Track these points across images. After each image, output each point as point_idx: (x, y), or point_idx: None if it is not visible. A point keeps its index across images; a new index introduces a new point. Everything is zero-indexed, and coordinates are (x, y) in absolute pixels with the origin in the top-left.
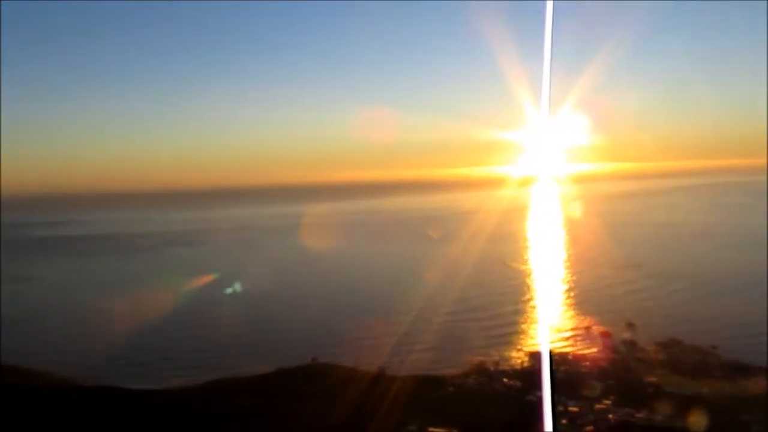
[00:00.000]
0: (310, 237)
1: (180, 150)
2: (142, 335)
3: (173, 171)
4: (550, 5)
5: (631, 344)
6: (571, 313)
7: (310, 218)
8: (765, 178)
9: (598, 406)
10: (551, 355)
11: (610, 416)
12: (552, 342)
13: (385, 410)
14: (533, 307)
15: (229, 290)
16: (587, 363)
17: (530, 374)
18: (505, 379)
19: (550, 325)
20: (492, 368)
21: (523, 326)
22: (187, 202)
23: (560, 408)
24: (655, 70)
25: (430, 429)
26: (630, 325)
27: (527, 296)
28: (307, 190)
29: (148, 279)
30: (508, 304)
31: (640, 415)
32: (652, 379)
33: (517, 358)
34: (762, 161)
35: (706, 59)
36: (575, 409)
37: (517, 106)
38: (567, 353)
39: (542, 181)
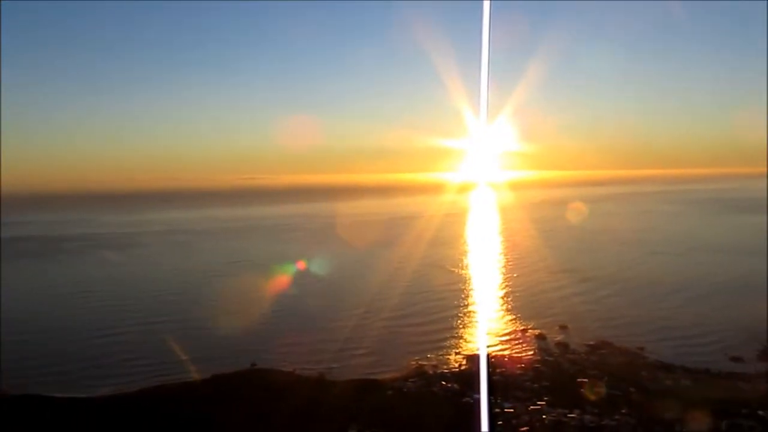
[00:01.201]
0: (247, 241)
1: (104, 151)
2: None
3: (98, 172)
4: (486, 15)
5: (563, 346)
6: (508, 316)
7: (248, 221)
8: (689, 187)
9: (532, 407)
10: (488, 357)
11: (544, 417)
12: (489, 345)
13: (325, 414)
14: (471, 311)
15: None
16: (522, 365)
17: (468, 376)
18: (443, 382)
19: (487, 329)
20: (431, 371)
21: (462, 330)
22: (114, 204)
23: (497, 410)
24: (588, 80)
25: None
26: (563, 328)
27: (466, 300)
28: (238, 193)
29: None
30: (446, 308)
31: (573, 414)
32: (584, 380)
33: (455, 361)
34: (686, 171)
35: (637, 70)
36: (511, 410)
37: (457, 114)
38: (503, 356)
39: (481, 188)
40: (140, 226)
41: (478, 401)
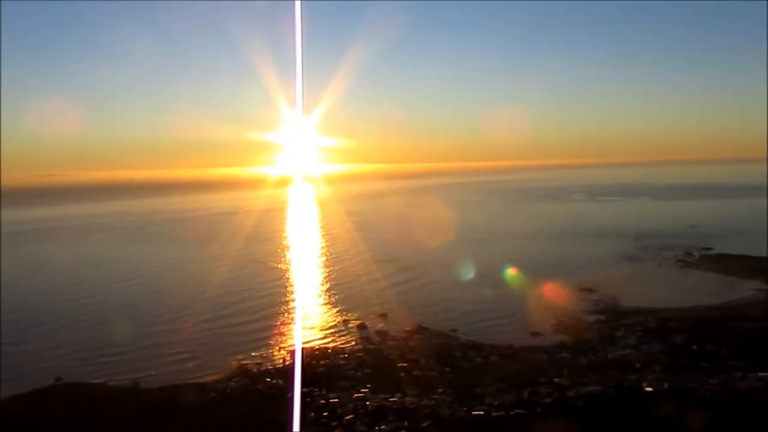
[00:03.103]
0: (49, 244)
1: None
2: None
3: None
4: (298, 11)
5: (384, 334)
6: (330, 308)
7: (50, 222)
8: (495, 178)
9: (356, 394)
10: (310, 351)
11: (368, 403)
12: (314, 338)
13: (142, 424)
14: (294, 307)
15: None
16: (346, 355)
17: (293, 371)
18: (267, 379)
19: (310, 322)
20: (255, 369)
21: (285, 326)
22: None
23: (322, 401)
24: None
25: None
26: (383, 317)
27: (287, 296)
28: (37, 192)
29: None
30: (269, 305)
31: (394, 398)
32: (403, 364)
33: (279, 357)
34: (493, 164)
35: (454, 69)
36: (336, 400)
37: (273, 107)
38: (327, 347)
39: (299, 182)
40: None
41: (292, 395)
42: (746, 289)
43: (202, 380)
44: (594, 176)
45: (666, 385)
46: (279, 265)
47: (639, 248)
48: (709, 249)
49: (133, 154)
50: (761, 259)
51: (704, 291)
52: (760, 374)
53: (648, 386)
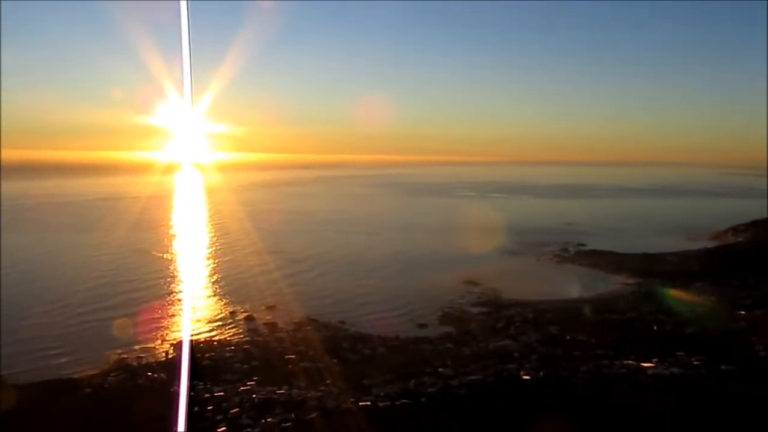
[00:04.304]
0: None
1: None
2: None
3: None
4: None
5: (272, 326)
6: (217, 300)
7: None
8: (386, 171)
9: (242, 387)
10: (193, 343)
11: (254, 396)
12: (199, 330)
13: (4, 426)
14: (180, 299)
15: None
16: (232, 348)
17: (176, 365)
18: (149, 373)
19: (196, 314)
20: (135, 363)
21: (170, 318)
22: None
23: (207, 395)
24: (300, 67)
25: None
26: (271, 308)
27: (172, 287)
28: None
29: None
30: (153, 296)
31: (281, 391)
32: (291, 356)
33: (162, 349)
34: (387, 157)
35: (349, 61)
36: (221, 393)
37: (159, 91)
38: (213, 340)
39: (187, 169)
40: None
41: (177, 390)
42: (614, 283)
43: (76, 376)
44: (478, 174)
45: (541, 374)
46: (165, 255)
47: (520, 243)
48: (584, 245)
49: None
50: (628, 255)
51: (577, 284)
52: (625, 362)
53: (525, 375)
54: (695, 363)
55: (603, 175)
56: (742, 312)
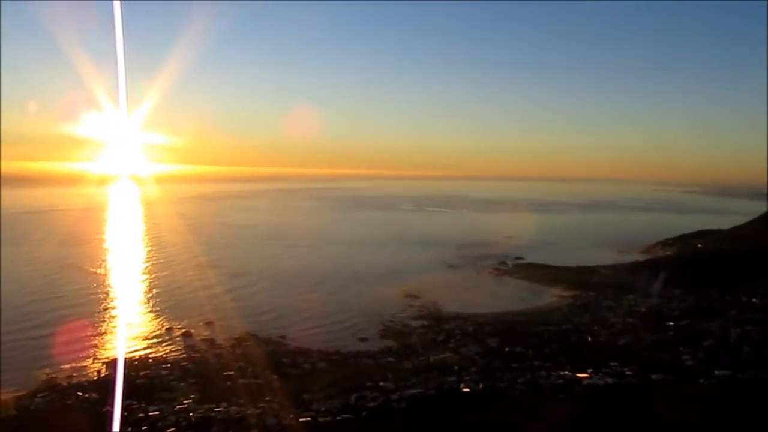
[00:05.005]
0: None
1: None
2: None
3: None
4: (118, 9)
5: (210, 342)
6: (153, 316)
7: None
8: (329, 185)
9: (179, 406)
10: (125, 361)
11: (191, 414)
12: (134, 347)
13: None
14: (114, 315)
15: None
16: (169, 365)
17: (108, 384)
18: (79, 393)
19: (130, 331)
20: (65, 383)
21: (103, 336)
22: None
23: (141, 414)
24: (233, 76)
25: None
26: (209, 324)
27: (105, 303)
28: None
29: None
30: (85, 314)
31: (219, 408)
32: (230, 373)
33: (94, 368)
34: (330, 171)
35: (292, 72)
36: (156, 412)
37: (92, 101)
38: (149, 357)
39: (123, 181)
40: None
41: (111, 410)
42: (550, 296)
43: (1, 398)
44: (422, 188)
45: (481, 386)
46: (98, 270)
47: (460, 257)
48: (521, 258)
49: None
50: (563, 268)
51: (515, 297)
52: (561, 373)
53: (465, 387)
54: (627, 372)
55: (543, 190)
56: (671, 323)
